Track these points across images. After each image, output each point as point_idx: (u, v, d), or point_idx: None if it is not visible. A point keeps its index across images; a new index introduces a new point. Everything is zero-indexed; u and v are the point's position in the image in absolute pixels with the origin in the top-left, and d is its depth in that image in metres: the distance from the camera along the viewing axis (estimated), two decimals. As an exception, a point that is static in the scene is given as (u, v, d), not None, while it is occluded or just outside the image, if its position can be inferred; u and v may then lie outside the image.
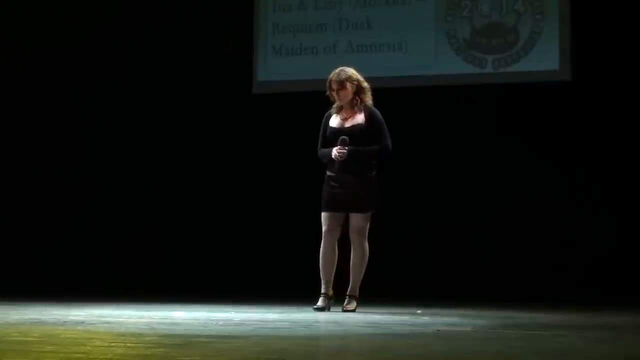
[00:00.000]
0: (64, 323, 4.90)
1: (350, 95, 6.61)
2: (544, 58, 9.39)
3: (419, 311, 6.46)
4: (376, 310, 6.56)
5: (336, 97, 6.65)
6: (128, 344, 3.79)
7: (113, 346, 3.69)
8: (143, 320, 5.25)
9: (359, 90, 6.62)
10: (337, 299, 6.59)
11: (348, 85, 6.60)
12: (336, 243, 6.59)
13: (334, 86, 6.62)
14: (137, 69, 10.26)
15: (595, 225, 9.10)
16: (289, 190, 9.69)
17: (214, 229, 9.91)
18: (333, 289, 6.60)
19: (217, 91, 10.04)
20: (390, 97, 9.55)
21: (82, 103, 10.38)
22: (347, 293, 6.56)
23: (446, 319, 5.75)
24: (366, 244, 6.54)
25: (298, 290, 8.86)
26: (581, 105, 9.28)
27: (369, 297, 6.70)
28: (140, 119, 10.26)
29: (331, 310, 6.47)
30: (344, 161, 6.46)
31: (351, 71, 6.67)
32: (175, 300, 7.26)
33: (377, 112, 6.61)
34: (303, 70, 9.92)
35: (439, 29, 9.66)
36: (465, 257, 9.32)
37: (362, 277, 6.57)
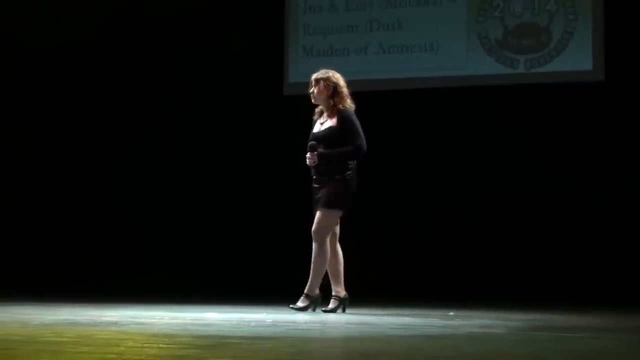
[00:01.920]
0: (98, 324, 4.93)
1: (323, 96, 6.58)
2: (577, 58, 9.33)
3: (451, 313, 6.44)
4: (408, 312, 6.54)
5: (311, 96, 6.64)
6: (161, 345, 3.81)
7: (146, 347, 3.71)
8: (176, 321, 5.27)
9: (334, 94, 6.57)
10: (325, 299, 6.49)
11: (322, 84, 6.59)
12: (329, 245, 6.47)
13: (312, 82, 6.64)
14: (168, 70, 10.31)
15: (625, 228, 9.02)
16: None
17: (244, 230, 9.92)
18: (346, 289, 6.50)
19: (248, 93, 10.06)
20: (421, 98, 9.59)
21: (114, 102, 10.46)
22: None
23: (478, 321, 5.72)
24: (324, 244, 6.36)
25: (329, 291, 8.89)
26: (614, 105, 9.21)
27: (403, 298, 6.68)
28: (171, 121, 10.31)
29: (343, 311, 6.40)
30: (317, 165, 6.45)
31: (332, 73, 6.67)
32: (208, 302, 7.28)
33: (349, 113, 6.51)
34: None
35: (471, 30, 9.63)
36: (494, 258, 9.27)
37: (317, 278, 6.38)
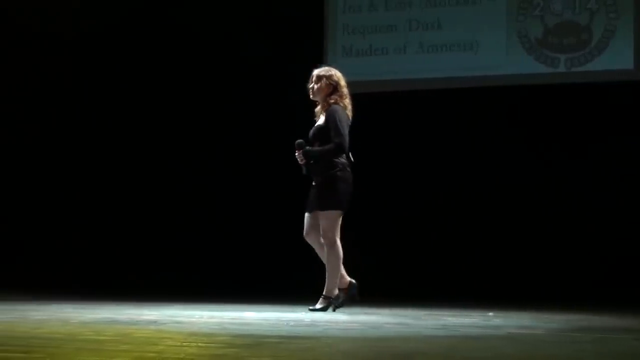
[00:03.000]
0: (137, 322, 4.96)
1: (323, 94, 6.51)
2: (618, 57, 9.24)
3: (490, 313, 6.41)
4: (446, 313, 6.52)
5: (310, 92, 6.58)
6: (200, 344, 3.83)
7: (185, 346, 3.73)
8: (214, 320, 5.29)
9: (333, 92, 6.50)
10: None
11: (324, 82, 6.51)
12: (316, 243, 6.45)
13: (312, 78, 6.55)
14: (205, 69, 10.35)
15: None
16: (358, 189, 9.68)
17: (292, 230, 9.94)
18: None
19: (286, 93, 10.07)
20: (461, 97, 9.56)
21: (144, 103, 10.54)
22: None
23: (517, 322, 5.69)
24: (334, 244, 6.31)
25: (370, 292, 8.89)
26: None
27: (441, 298, 6.66)
28: (210, 120, 10.35)
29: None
30: (306, 163, 6.41)
31: (334, 72, 6.59)
32: (246, 301, 7.30)
33: (333, 110, 6.41)
34: (373, 71, 9.91)
35: (510, 28, 9.57)
36: (534, 259, 9.23)
37: (334, 279, 6.35)
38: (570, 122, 9.30)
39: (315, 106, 6.61)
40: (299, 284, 9.35)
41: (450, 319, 5.84)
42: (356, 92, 9.87)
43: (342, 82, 6.56)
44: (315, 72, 6.55)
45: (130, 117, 10.54)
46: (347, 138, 6.39)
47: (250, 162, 10.22)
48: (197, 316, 5.62)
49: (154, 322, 5.03)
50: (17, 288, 8.91)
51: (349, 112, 6.53)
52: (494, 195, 9.47)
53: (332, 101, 6.45)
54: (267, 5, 10.26)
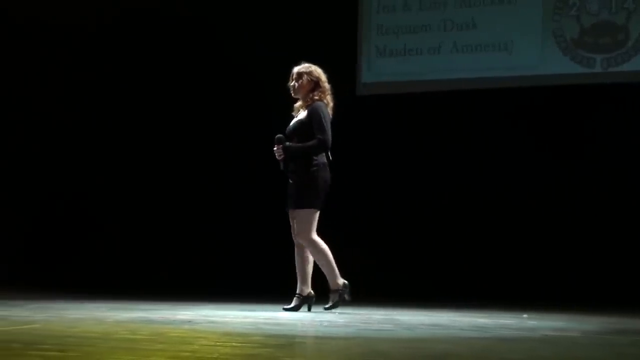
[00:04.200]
0: (172, 322, 4.99)
1: (304, 91, 6.45)
2: (656, 57, 9.16)
3: (525, 315, 6.37)
4: (481, 314, 6.49)
5: (291, 89, 6.51)
6: (234, 344, 3.84)
7: (219, 345, 3.74)
8: (248, 320, 5.31)
9: (315, 87, 6.44)
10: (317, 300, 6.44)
11: (305, 78, 6.44)
12: (298, 245, 6.41)
13: (293, 75, 6.49)
14: (238, 70, 10.37)
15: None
16: (391, 190, 9.68)
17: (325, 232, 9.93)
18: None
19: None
20: (496, 97, 9.51)
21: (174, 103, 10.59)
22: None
23: (553, 324, 5.65)
24: (312, 241, 6.25)
25: (404, 292, 8.87)
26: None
27: (475, 300, 6.64)
28: (242, 121, 10.38)
29: (312, 310, 6.33)
30: (283, 159, 6.34)
31: (314, 68, 6.52)
32: (280, 301, 7.31)
33: (317, 106, 6.33)
34: (407, 72, 9.90)
35: (546, 29, 9.51)
36: (569, 260, 9.17)
37: (332, 272, 6.31)
38: (605, 123, 9.23)
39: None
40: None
41: (484, 320, 5.82)
42: (390, 92, 9.97)
43: (323, 78, 6.51)
44: (295, 69, 6.49)
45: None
46: (330, 135, 6.32)
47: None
48: (231, 316, 5.64)
49: (189, 321, 5.05)
50: (53, 287, 8.99)
51: (331, 110, 6.47)
52: (528, 196, 9.42)
53: (316, 97, 6.40)
54: (300, 6, 10.26)
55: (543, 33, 9.51)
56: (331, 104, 6.48)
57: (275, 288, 9.18)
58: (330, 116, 6.44)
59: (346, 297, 6.33)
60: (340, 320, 5.40)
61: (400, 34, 10.00)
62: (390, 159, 9.80)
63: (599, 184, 9.24)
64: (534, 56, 9.52)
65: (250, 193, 10.22)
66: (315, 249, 6.29)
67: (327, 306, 6.31)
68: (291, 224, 6.42)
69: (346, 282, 6.37)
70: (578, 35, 9.41)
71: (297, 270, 6.40)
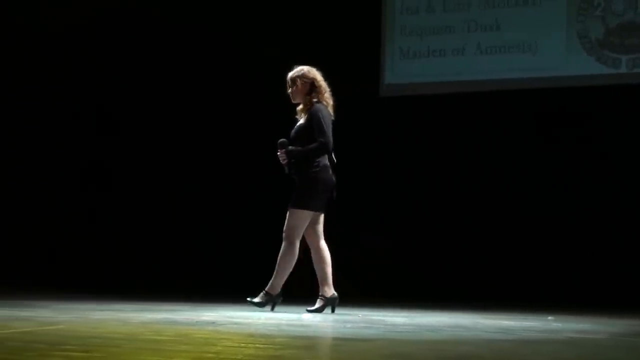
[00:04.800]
0: (196, 323, 5.00)
1: (301, 94, 6.43)
2: (682, 58, 9.10)
3: (549, 317, 6.34)
4: (505, 316, 6.47)
5: (290, 95, 6.50)
6: (258, 345, 3.85)
7: (243, 347, 3.75)
8: (272, 321, 5.31)
9: (312, 89, 6.42)
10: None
11: (299, 82, 6.42)
12: (313, 245, 6.38)
13: (288, 83, 6.48)
14: (264, 71, 10.37)
15: None
16: (414, 191, 9.67)
17: (344, 232, 9.93)
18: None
19: (344, 94, 10.05)
20: (520, 98, 9.47)
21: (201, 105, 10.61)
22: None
23: (578, 326, 5.62)
24: (293, 244, 6.24)
25: (423, 293, 8.86)
26: None
27: (499, 302, 6.61)
28: (270, 122, 10.38)
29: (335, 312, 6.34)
30: (288, 163, 6.33)
31: (307, 69, 6.48)
32: (303, 302, 7.31)
33: (316, 109, 6.32)
34: (431, 73, 9.88)
35: (570, 29, 9.46)
36: (594, 262, 9.12)
37: (281, 277, 6.28)
38: (631, 124, 9.17)
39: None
40: (354, 284, 9.37)
41: (508, 322, 5.80)
42: (413, 94, 9.95)
43: (318, 77, 6.49)
44: (289, 75, 6.49)
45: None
46: (330, 137, 6.31)
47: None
48: (254, 317, 5.65)
49: (213, 323, 5.06)
50: (78, 288, 9.04)
51: (331, 108, 6.47)
52: (555, 197, 9.37)
53: (314, 100, 6.39)
54: (324, 7, 10.26)
55: (567, 34, 9.46)
56: (331, 103, 6.48)
57: (298, 289, 9.20)
58: (332, 115, 6.46)
59: (271, 307, 6.31)
60: (363, 322, 5.40)
61: (424, 35, 9.98)
62: (414, 160, 9.78)
63: (626, 185, 9.19)
64: (559, 57, 9.48)
65: (269, 194, 10.23)
66: (289, 250, 6.28)
67: (253, 300, 6.28)
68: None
69: (280, 294, 6.35)
70: (603, 36, 9.36)
71: (316, 273, 6.39)
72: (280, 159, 6.35)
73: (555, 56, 9.49)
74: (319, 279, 6.38)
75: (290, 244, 6.26)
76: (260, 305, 6.28)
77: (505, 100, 9.56)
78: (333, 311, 6.31)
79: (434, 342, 4.17)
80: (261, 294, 6.34)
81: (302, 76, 6.44)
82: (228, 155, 10.51)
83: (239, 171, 10.46)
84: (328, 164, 6.34)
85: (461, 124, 9.76)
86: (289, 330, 4.68)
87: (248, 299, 6.31)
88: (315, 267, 6.37)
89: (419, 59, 9.98)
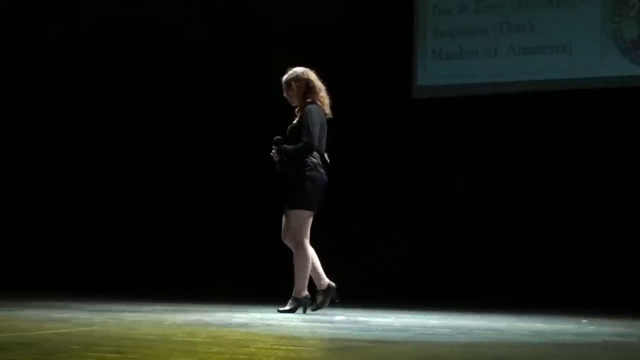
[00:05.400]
0: (229, 325, 5.01)
1: (298, 96, 6.45)
2: None
3: (584, 320, 6.29)
4: (538, 319, 6.43)
5: (287, 98, 6.52)
6: (290, 347, 3.85)
7: (275, 348, 3.75)
8: (304, 323, 5.31)
9: (307, 90, 6.43)
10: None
11: (294, 85, 6.45)
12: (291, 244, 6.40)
13: (283, 86, 6.50)
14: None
15: None
16: (445, 193, 9.64)
17: (374, 233, 9.93)
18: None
19: (377, 96, 10.06)
20: (554, 100, 9.42)
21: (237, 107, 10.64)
22: None
23: (612, 329, 5.58)
24: (301, 245, 6.29)
25: (458, 294, 8.82)
26: None
27: (532, 304, 6.57)
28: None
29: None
30: (280, 160, 6.37)
31: (300, 70, 6.50)
32: (336, 305, 7.31)
33: (307, 109, 6.34)
34: (463, 74, 9.84)
35: (605, 30, 9.38)
36: (625, 264, 9.05)
37: (302, 280, 6.30)
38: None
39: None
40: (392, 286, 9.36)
41: (542, 325, 5.76)
42: (446, 95, 9.92)
43: (312, 77, 6.51)
44: (283, 79, 6.52)
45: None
46: (316, 138, 6.32)
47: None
48: (287, 319, 5.65)
49: (245, 324, 5.07)
50: (111, 290, 9.10)
51: (326, 107, 6.49)
52: (590, 198, 9.30)
53: (309, 100, 6.41)
54: (355, 9, 10.25)
55: (602, 35, 9.39)
56: (327, 102, 6.51)
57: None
58: (329, 113, 6.50)
59: (302, 310, 6.33)
60: (397, 324, 5.38)
61: (457, 36, 9.94)
62: (446, 162, 9.75)
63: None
64: (593, 58, 9.41)
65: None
66: (300, 252, 6.32)
67: (281, 308, 6.32)
68: (282, 226, 6.44)
69: (309, 295, 6.38)
70: (638, 37, 9.28)
71: (294, 272, 6.40)
72: (272, 156, 6.41)
73: (590, 57, 9.42)
74: (312, 276, 6.42)
75: (300, 246, 6.32)
76: (291, 312, 6.30)
77: (538, 102, 9.50)
78: (304, 312, 6.35)
79: (467, 345, 4.16)
80: (289, 300, 6.37)
81: (297, 78, 6.48)
82: (251, 155, 10.54)
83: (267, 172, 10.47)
84: (320, 163, 6.38)
85: (493, 125, 9.71)
86: (321, 332, 4.68)
87: (278, 309, 6.33)
88: (295, 266, 6.40)
89: (451, 60, 9.94)
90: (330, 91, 10.21)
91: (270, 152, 6.41)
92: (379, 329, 4.94)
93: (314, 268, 6.43)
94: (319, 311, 6.43)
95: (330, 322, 5.55)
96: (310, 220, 6.36)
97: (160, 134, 10.83)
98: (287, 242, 6.44)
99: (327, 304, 6.42)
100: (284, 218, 6.44)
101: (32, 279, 10.04)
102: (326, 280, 6.45)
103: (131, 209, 10.75)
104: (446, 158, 9.78)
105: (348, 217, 9.96)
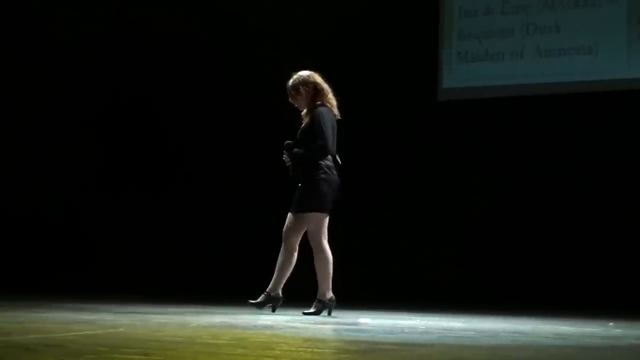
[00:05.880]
0: (254, 327, 5.02)
1: (306, 100, 6.44)
2: None
3: (610, 323, 6.25)
4: (564, 322, 6.40)
5: (294, 103, 6.51)
6: (315, 349, 3.85)
7: (300, 351, 3.76)
8: (329, 326, 5.32)
9: (315, 93, 6.42)
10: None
11: (302, 89, 6.43)
12: (288, 244, 6.40)
13: (290, 92, 6.48)
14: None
15: None
16: (472, 196, 9.62)
17: (403, 236, 9.91)
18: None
19: (402, 99, 10.05)
20: (580, 102, 9.36)
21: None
22: None
23: (639, 332, 5.54)
24: (321, 247, 6.30)
25: (480, 296, 8.79)
26: None
27: (557, 307, 6.54)
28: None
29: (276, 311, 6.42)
30: (291, 165, 6.39)
31: (307, 74, 6.49)
32: (360, 307, 7.33)
33: (318, 112, 6.33)
34: (489, 76, 9.80)
35: (631, 31, 9.32)
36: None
37: (325, 281, 6.32)
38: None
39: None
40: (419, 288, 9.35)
41: (567, 328, 5.73)
42: (472, 98, 9.89)
43: (319, 80, 6.51)
44: (290, 84, 6.50)
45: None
46: (330, 140, 6.34)
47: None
48: (311, 321, 5.66)
49: (270, 327, 5.08)
50: (137, 292, 9.14)
51: (335, 109, 6.48)
52: (617, 201, 9.24)
53: (318, 103, 6.41)
54: (381, 11, 10.24)
55: (629, 36, 9.33)
56: (335, 103, 6.50)
57: (353, 293, 9.19)
58: (338, 115, 6.49)
59: (327, 312, 6.35)
60: (421, 327, 5.38)
61: (482, 38, 9.90)
62: (472, 164, 9.72)
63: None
64: (620, 60, 9.35)
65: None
66: (321, 254, 6.35)
67: (306, 311, 6.33)
68: (286, 224, 6.44)
69: (333, 297, 6.39)
70: (665, 38, 9.21)
71: (276, 269, 6.44)
72: (285, 161, 6.43)
73: (616, 59, 9.36)
74: (276, 274, 6.44)
75: (319, 247, 6.34)
76: (316, 314, 6.31)
77: (564, 104, 9.46)
78: (273, 311, 6.42)
79: (493, 348, 4.14)
80: (314, 303, 6.38)
81: (304, 82, 6.47)
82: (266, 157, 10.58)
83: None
84: (332, 165, 6.38)
85: (519, 127, 9.68)
86: (345, 334, 4.68)
87: (303, 312, 6.34)
88: (279, 263, 6.43)
89: (476, 63, 9.91)
90: (355, 94, 10.25)
91: (282, 156, 6.44)
92: (404, 332, 4.94)
93: (283, 272, 6.42)
94: (341, 314, 6.43)
95: (355, 324, 5.55)
96: (326, 221, 6.39)
97: (176, 135, 10.90)
98: (284, 239, 6.43)
99: (263, 308, 6.41)
100: (289, 216, 6.43)
101: (53, 280, 10.13)
102: (279, 290, 6.46)
103: (155, 211, 10.80)
104: (472, 161, 9.74)
105: (374, 219, 9.96)
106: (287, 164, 6.44)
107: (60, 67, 10.89)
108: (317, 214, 6.34)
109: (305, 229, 6.38)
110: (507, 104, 9.70)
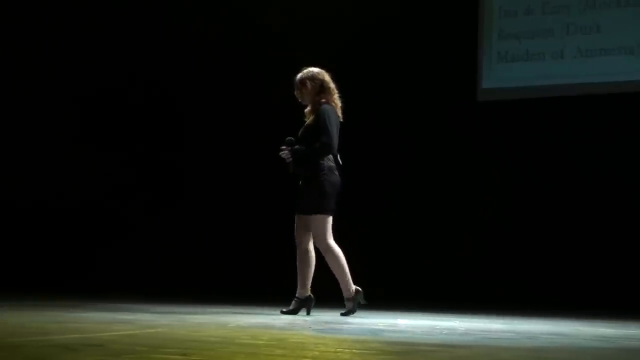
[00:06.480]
0: (292, 328, 5.03)
1: (311, 95, 6.39)
2: None
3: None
4: (606, 324, 6.34)
5: (299, 97, 6.46)
6: (353, 350, 3.85)
7: (339, 352, 3.76)
8: (368, 326, 5.31)
9: (321, 90, 6.37)
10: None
11: (308, 83, 6.39)
12: (302, 246, 6.38)
13: (297, 85, 6.44)
14: (361, 77, 10.39)
15: None
16: (512, 196, 9.57)
17: (443, 235, 9.88)
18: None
19: (442, 99, 10.02)
20: (621, 102, 9.28)
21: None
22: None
23: (681, 335, 5.48)
24: (328, 247, 6.28)
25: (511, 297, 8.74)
26: None
27: (597, 309, 6.47)
28: (358, 128, 10.40)
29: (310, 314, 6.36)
30: (293, 162, 6.33)
31: (317, 71, 6.44)
32: (399, 308, 7.32)
33: (324, 109, 6.28)
34: (529, 77, 9.74)
35: (673, 32, 9.21)
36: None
37: (344, 278, 6.31)
38: None
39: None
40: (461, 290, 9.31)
41: (608, 330, 5.68)
42: (511, 98, 9.83)
43: (327, 78, 6.46)
44: (297, 77, 6.47)
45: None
46: (335, 138, 6.29)
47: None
48: (349, 322, 5.66)
49: (308, 327, 5.09)
50: (177, 292, 9.19)
51: (339, 110, 6.43)
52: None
53: (323, 101, 6.37)
54: (421, 11, 10.21)
55: (670, 36, 9.22)
56: (339, 105, 6.46)
57: (392, 293, 9.18)
58: (341, 117, 6.44)
59: (361, 301, 6.34)
60: (461, 328, 5.36)
61: (522, 38, 9.84)
62: (512, 164, 9.66)
63: None
64: (662, 60, 9.24)
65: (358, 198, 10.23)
66: (330, 255, 6.33)
67: (343, 312, 6.32)
68: (295, 227, 6.43)
69: (358, 288, 6.37)
70: None
71: (298, 273, 6.42)
72: (284, 156, 6.38)
73: (657, 59, 9.26)
74: (299, 279, 6.40)
75: (328, 249, 6.33)
76: (351, 312, 6.31)
77: (604, 104, 9.37)
78: (308, 313, 6.36)
79: (533, 350, 4.12)
80: (345, 303, 6.37)
81: (312, 77, 6.44)
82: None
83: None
84: (334, 165, 6.35)
85: (559, 128, 9.61)
86: (384, 335, 4.67)
87: (341, 313, 6.33)
88: (298, 266, 6.41)
89: (517, 63, 9.85)
90: (395, 95, 10.26)
91: (280, 152, 6.37)
92: (443, 333, 4.92)
93: (305, 273, 6.39)
94: (379, 315, 6.42)
95: (393, 325, 5.54)
96: (330, 220, 6.35)
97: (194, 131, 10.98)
98: (298, 242, 6.41)
99: (297, 314, 6.35)
100: (296, 218, 6.43)
101: (88, 281, 10.24)
102: (308, 292, 6.43)
103: (195, 211, 10.86)
104: (512, 161, 9.69)
105: (413, 219, 9.93)
106: (288, 161, 6.39)
107: (69, 64, 10.97)
108: (321, 216, 6.31)
109: (331, 223, 6.35)
110: (547, 104, 9.63)
